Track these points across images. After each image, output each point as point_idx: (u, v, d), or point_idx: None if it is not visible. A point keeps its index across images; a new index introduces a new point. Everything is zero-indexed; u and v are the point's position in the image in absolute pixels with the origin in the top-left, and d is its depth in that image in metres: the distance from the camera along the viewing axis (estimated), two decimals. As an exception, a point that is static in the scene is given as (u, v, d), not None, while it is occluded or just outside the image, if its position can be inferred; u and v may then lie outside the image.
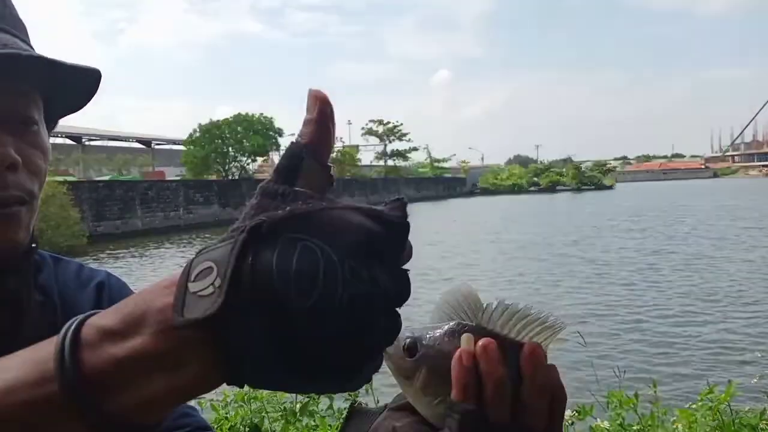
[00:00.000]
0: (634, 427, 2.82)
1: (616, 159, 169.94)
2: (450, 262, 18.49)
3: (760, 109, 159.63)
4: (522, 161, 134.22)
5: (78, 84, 0.72)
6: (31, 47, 0.72)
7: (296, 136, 0.42)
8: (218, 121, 45.19)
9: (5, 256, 0.68)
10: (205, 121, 45.87)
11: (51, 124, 0.77)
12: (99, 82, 0.73)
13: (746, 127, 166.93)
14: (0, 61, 0.62)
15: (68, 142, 54.38)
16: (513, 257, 18.69)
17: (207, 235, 28.65)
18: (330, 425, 2.77)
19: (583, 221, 30.78)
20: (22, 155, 0.67)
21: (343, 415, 2.42)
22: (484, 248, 21.40)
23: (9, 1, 0.72)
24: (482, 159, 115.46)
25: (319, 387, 0.41)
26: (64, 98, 0.75)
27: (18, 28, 0.71)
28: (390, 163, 73.81)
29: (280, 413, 2.93)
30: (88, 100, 0.76)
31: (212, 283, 0.36)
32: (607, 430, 2.70)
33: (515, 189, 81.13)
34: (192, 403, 3.06)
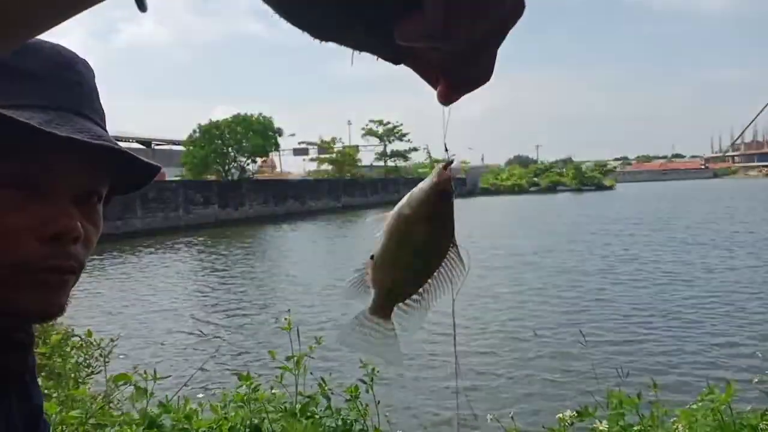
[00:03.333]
0: (635, 428, 2.81)
1: (616, 159, 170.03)
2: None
3: (761, 110, 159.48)
4: (522, 162, 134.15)
5: (139, 173, 0.82)
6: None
7: None
8: (218, 121, 45.20)
9: (48, 319, 0.75)
10: (204, 121, 45.97)
11: (105, 203, 0.84)
12: (156, 175, 0.83)
13: (747, 127, 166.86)
14: (96, 150, 0.69)
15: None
16: (512, 261, 18.68)
17: (202, 238, 28.64)
18: (329, 426, 2.77)
19: (583, 222, 30.76)
20: (84, 229, 0.72)
21: (341, 416, 2.40)
22: (480, 253, 21.40)
23: (97, 93, 0.80)
24: (482, 159, 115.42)
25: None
26: (123, 182, 0.83)
27: (104, 120, 0.80)
28: (390, 163, 73.76)
29: (281, 414, 2.92)
30: (142, 187, 0.86)
31: None
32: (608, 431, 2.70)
33: (515, 189, 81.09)
34: (192, 404, 3.02)
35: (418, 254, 0.55)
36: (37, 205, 0.69)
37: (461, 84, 0.43)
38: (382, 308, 0.58)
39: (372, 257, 0.57)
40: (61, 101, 0.72)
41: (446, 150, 0.56)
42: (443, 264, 0.56)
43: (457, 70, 0.41)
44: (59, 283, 0.71)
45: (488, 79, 0.43)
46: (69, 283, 0.73)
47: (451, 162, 0.55)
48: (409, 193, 0.56)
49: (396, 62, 0.43)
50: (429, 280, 0.57)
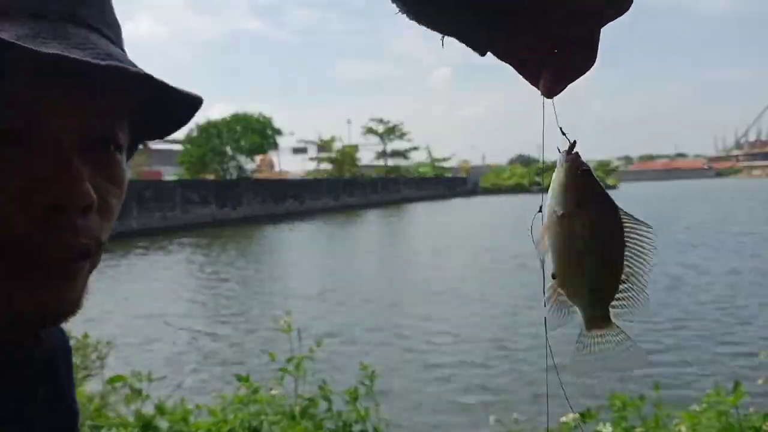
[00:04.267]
0: (637, 430, 2.78)
1: (618, 159, 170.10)
2: (444, 273, 18.46)
3: (765, 109, 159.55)
4: (524, 161, 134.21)
5: (173, 108, 0.60)
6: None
7: None
8: (216, 120, 45.12)
9: (56, 322, 0.55)
10: (202, 120, 45.83)
11: (132, 150, 0.64)
12: (198, 109, 0.61)
13: (750, 127, 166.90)
14: (101, 74, 0.48)
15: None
16: (513, 264, 18.66)
17: (199, 238, 28.65)
18: (329, 429, 2.73)
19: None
20: (97, 193, 0.51)
21: (343, 418, 2.36)
22: (479, 255, 21.38)
23: (111, 3, 0.60)
24: (483, 158, 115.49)
25: None
26: (153, 122, 0.63)
27: (119, 36, 0.60)
28: (390, 162, 73.72)
29: (280, 416, 2.88)
30: (180, 127, 0.65)
31: None
32: (611, 434, 2.67)
33: (517, 189, 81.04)
34: (189, 406, 2.98)
35: (599, 244, 0.51)
36: (25, 162, 0.48)
37: (566, 70, 0.41)
38: (597, 318, 0.54)
39: (553, 276, 0.52)
40: (52, 5, 0.51)
41: (563, 134, 0.52)
42: (628, 236, 0.52)
43: (569, 48, 0.40)
44: (68, 272, 0.51)
45: (593, 64, 0.41)
46: (83, 270, 0.53)
47: (575, 143, 0.53)
48: (551, 193, 0.52)
49: (483, 52, 0.40)
50: (626, 261, 0.52)
